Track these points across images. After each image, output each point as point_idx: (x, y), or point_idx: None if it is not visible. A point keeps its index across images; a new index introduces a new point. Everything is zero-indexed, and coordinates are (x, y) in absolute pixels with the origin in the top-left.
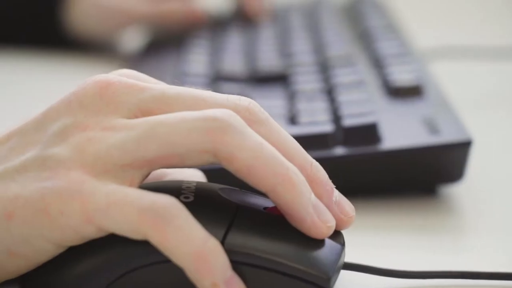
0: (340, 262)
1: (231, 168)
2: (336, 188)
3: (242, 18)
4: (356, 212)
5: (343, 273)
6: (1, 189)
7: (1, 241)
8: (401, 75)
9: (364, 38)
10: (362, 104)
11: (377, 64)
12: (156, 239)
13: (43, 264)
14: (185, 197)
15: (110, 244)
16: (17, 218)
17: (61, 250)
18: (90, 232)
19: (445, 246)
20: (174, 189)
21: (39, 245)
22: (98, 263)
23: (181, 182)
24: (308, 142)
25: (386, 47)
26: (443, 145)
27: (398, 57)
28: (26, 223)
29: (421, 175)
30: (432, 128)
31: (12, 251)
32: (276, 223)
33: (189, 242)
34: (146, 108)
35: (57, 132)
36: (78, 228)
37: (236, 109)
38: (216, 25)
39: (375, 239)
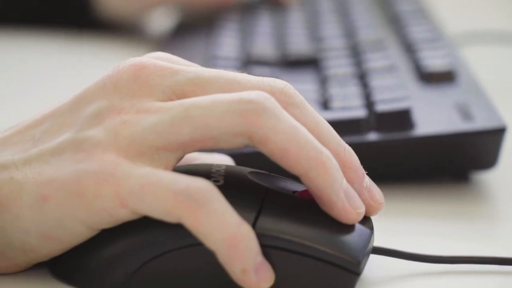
0: (370, 247)
1: (265, 150)
2: (369, 173)
3: (271, 1)
4: (388, 197)
5: (372, 257)
6: (35, 171)
7: (37, 225)
8: (433, 60)
9: (395, 23)
10: (395, 89)
11: (409, 49)
12: (190, 223)
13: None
14: (215, 181)
15: (143, 226)
16: (52, 201)
17: (94, 233)
18: (124, 215)
19: (478, 233)
20: (204, 173)
21: (73, 228)
22: (129, 245)
23: (211, 165)
24: (341, 127)
25: (417, 31)
26: (477, 131)
27: (429, 42)
28: (61, 206)
29: (454, 162)
30: (465, 114)
31: (46, 235)
32: (306, 207)
33: (223, 227)
34: (180, 90)
35: (92, 115)
36: (112, 211)
37: (271, 91)
38: (245, 8)
39: (407, 225)
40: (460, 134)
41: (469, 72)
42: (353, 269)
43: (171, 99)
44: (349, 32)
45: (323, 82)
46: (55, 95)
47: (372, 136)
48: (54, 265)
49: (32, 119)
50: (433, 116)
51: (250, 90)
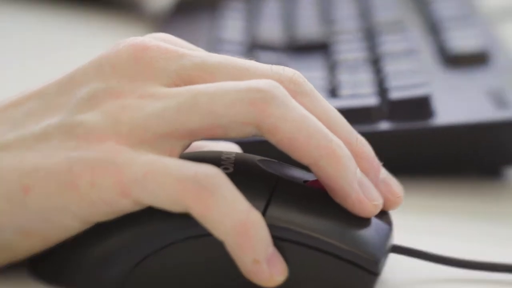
0: (389, 245)
1: (273, 140)
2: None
3: None
4: (407, 193)
5: (390, 256)
6: (15, 159)
7: (15, 219)
8: (462, 41)
9: None
10: (412, 75)
11: (434, 29)
12: (198, 211)
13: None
14: (225, 168)
15: (141, 217)
16: (36, 192)
17: (85, 227)
18: (125, 205)
19: (510, 237)
20: (213, 160)
21: (61, 221)
22: (126, 238)
23: (221, 152)
24: (350, 116)
25: (444, 8)
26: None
27: (458, 19)
28: (47, 197)
29: (482, 155)
30: (499, 101)
31: (26, 230)
32: (318, 197)
33: (232, 214)
34: (186, 76)
35: (86, 97)
36: (111, 201)
37: (280, 80)
38: None
39: (428, 223)
40: (491, 124)
41: (505, 53)
42: (371, 269)
43: (176, 85)
44: (364, 12)
45: (332, 68)
46: (45, 74)
47: (384, 125)
48: (34, 264)
49: (13, 99)
50: (459, 104)
51: (259, 78)
